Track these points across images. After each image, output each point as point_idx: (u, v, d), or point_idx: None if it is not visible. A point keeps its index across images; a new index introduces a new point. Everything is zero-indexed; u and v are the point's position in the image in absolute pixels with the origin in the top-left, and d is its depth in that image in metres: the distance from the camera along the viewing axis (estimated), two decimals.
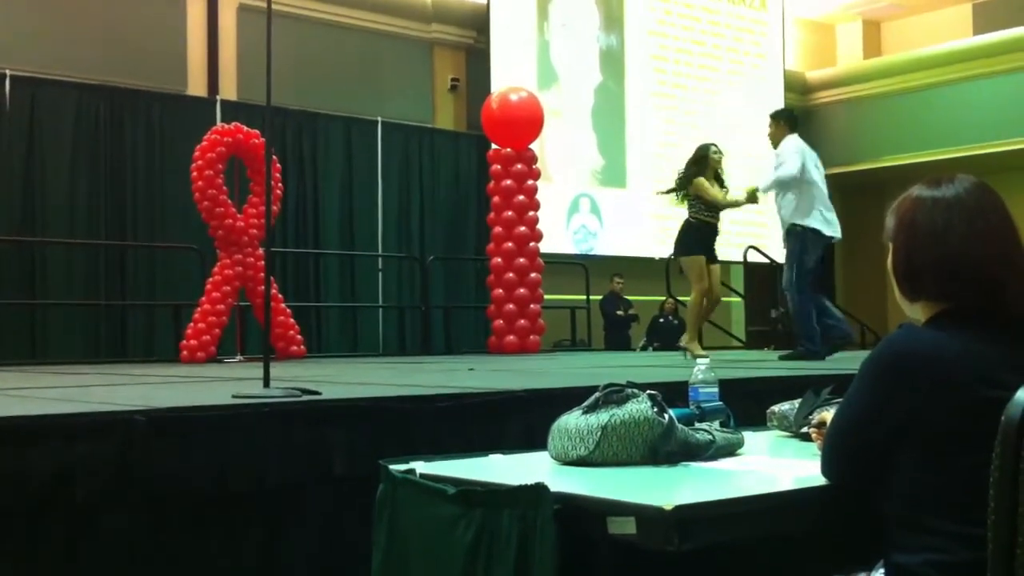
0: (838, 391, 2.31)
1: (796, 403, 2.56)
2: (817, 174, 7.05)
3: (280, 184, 8.70)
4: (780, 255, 14.90)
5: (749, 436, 2.38)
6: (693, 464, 2.10)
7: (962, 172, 1.90)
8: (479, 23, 12.64)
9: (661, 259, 12.44)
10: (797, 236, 6.98)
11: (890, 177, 14.72)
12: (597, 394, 2.17)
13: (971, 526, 1.63)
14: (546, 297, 9.96)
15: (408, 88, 12.43)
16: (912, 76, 15.32)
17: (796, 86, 16.28)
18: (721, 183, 7.64)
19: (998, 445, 1.58)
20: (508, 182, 9.65)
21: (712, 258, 7.48)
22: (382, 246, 11.65)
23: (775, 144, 7.23)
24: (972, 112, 14.48)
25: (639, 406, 2.09)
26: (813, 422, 2.29)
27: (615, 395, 2.14)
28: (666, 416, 2.10)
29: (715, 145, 7.70)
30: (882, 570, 1.79)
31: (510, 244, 9.58)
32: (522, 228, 9.63)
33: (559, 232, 12.50)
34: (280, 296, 8.69)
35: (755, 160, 14.98)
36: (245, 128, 8.32)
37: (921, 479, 1.73)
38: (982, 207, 1.84)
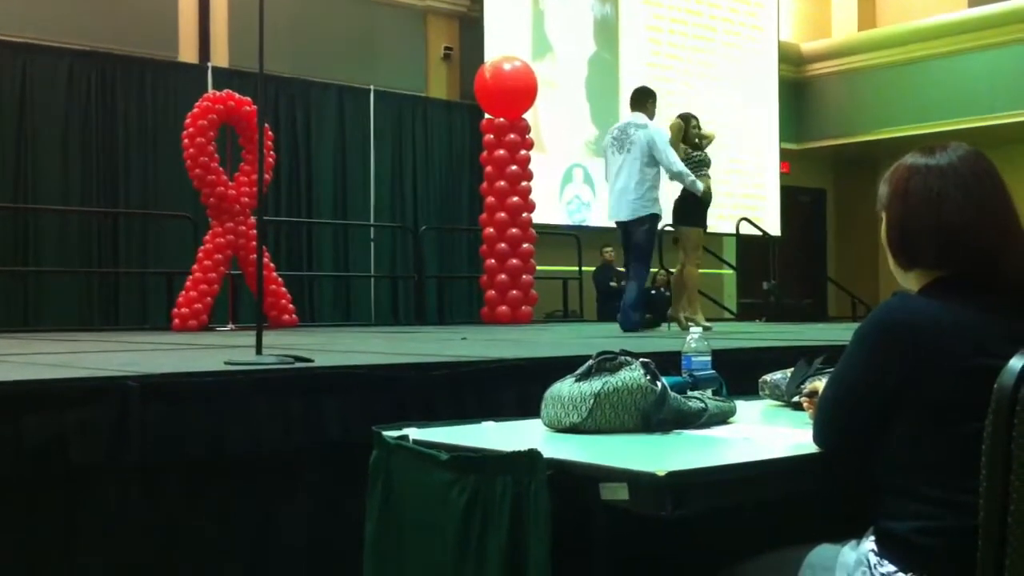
0: (830, 360, 2.32)
1: (788, 372, 2.57)
2: (610, 157, 7.14)
3: (272, 152, 8.68)
4: (772, 227, 14.95)
5: (741, 405, 2.39)
6: (686, 432, 2.11)
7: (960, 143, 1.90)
8: None
9: None
10: None
11: (884, 150, 14.72)
12: (590, 362, 2.17)
13: (962, 493, 1.65)
14: (538, 268, 9.96)
15: (401, 57, 12.36)
16: (907, 48, 15.28)
17: (791, 58, 16.23)
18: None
19: (991, 413, 1.58)
20: (501, 152, 9.62)
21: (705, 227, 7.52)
22: (375, 215, 11.63)
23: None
24: (967, 85, 14.46)
25: (632, 374, 2.10)
26: (805, 391, 2.30)
27: (608, 363, 2.15)
28: (659, 384, 2.10)
29: (695, 118, 7.61)
30: (873, 537, 1.80)
31: (503, 214, 9.57)
32: (515, 198, 9.61)
33: (552, 203, 12.49)
34: (272, 265, 8.69)
35: (749, 132, 14.99)
36: (237, 96, 8.28)
37: (913, 447, 1.74)
38: (976, 174, 1.84)
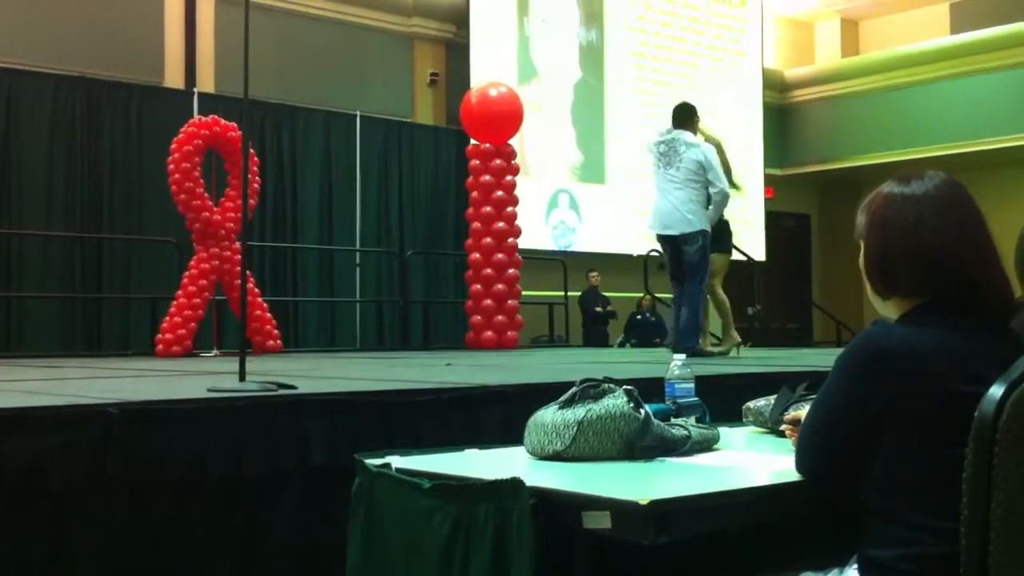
0: (813, 387, 2.33)
1: (771, 399, 2.57)
2: (655, 171, 6.95)
3: (257, 177, 8.68)
4: (757, 252, 14.98)
5: (725, 432, 2.39)
6: (669, 459, 2.11)
7: (938, 170, 1.92)
8: (459, 17, 12.62)
9: (639, 256, 12.46)
10: None
11: (867, 175, 14.81)
12: (574, 389, 2.17)
13: (946, 520, 1.65)
14: (524, 293, 9.96)
15: (387, 82, 12.40)
16: (889, 75, 15.40)
17: (775, 84, 16.34)
18: None
19: (972, 440, 1.59)
20: (487, 177, 9.65)
21: None
22: (360, 240, 11.62)
23: None
24: (949, 111, 14.57)
25: (615, 401, 2.10)
26: (787, 418, 2.30)
27: (592, 390, 2.15)
28: (642, 411, 2.10)
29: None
30: (856, 564, 1.80)
31: (489, 239, 9.58)
32: (501, 223, 9.63)
33: (538, 228, 12.50)
34: (257, 290, 8.66)
35: (733, 157, 15.04)
36: (223, 121, 8.28)
37: (896, 473, 1.74)
38: (952, 202, 1.85)
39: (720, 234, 7.27)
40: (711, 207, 6.87)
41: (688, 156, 6.81)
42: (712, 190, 6.84)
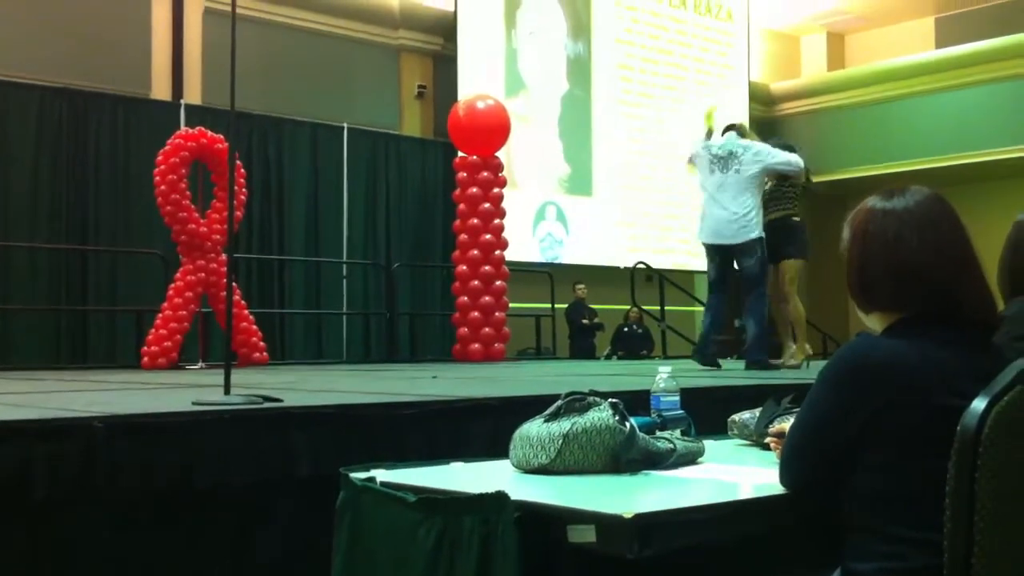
0: (798, 400, 2.33)
1: (757, 412, 2.57)
2: (708, 176, 6.63)
3: (244, 189, 8.66)
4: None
5: (710, 445, 2.39)
6: (654, 472, 2.11)
7: (924, 184, 1.93)
8: (446, 30, 12.65)
9: (626, 268, 12.48)
10: None
11: (853, 189, 14.84)
12: (559, 402, 2.17)
13: (928, 532, 1.65)
14: (511, 305, 9.96)
15: (375, 94, 12.40)
16: (875, 88, 15.48)
17: (761, 97, 16.39)
18: None
19: (954, 454, 1.59)
20: (474, 189, 9.65)
21: None
22: (347, 253, 11.60)
23: None
24: (934, 125, 14.65)
25: (600, 414, 2.10)
26: (772, 431, 2.30)
27: (577, 403, 2.15)
28: (627, 424, 2.10)
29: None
30: None
31: (476, 252, 9.58)
32: (488, 236, 9.63)
33: (525, 240, 12.52)
34: (243, 302, 8.63)
35: None
36: (209, 132, 8.28)
37: (879, 486, 1.74)
38: (933, 218, 1.86)
39: (797, 240, 7.06)
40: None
41: (747, 157, 6.52)
42: (789, 173, 6.69)
